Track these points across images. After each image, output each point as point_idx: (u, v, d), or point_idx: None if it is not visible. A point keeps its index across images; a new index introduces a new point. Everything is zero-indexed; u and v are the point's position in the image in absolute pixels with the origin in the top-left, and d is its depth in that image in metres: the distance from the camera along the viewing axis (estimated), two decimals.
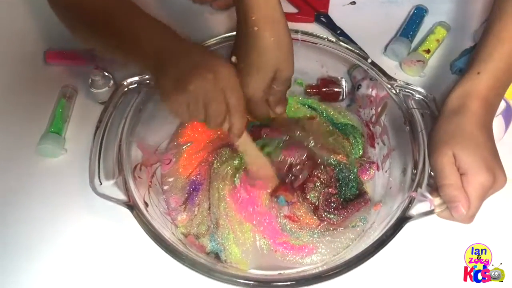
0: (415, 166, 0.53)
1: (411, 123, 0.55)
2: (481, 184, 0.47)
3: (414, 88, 0.58)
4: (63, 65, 0.73)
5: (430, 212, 0.50)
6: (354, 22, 0.78)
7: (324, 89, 0.67)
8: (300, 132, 0.62)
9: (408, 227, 0.58)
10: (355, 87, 0.64)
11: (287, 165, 0.59)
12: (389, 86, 0.58)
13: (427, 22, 0.78)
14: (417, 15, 0.78)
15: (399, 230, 0.49)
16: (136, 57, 0.54)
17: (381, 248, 0.48)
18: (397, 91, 0.58)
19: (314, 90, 0.68)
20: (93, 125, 0.62)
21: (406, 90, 0.58)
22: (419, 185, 0.52)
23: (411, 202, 0.51)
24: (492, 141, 0.50)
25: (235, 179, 0.58)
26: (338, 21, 0.78)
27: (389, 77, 0.59)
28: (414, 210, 0.50)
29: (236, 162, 0.60)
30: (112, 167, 0.55)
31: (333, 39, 0.62)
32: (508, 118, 0.63)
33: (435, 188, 0.50)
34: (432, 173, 0.50)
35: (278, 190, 0.58)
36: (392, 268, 0.57)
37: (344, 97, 0.66)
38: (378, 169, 0.61)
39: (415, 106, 0.56)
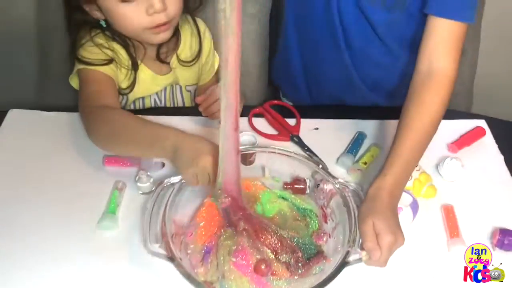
0: (351, 233, 0.74)
1: (347, 206, 0.78)
2: (388, 241, 0.70)
3: (350, 184, 0.82)
4: (116, 166, 0.91)
5: (360, 259, 0.72)
6: (317, 142, 0.98)
7: (295, 186, 0.87)
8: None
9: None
10: (316, 184, 0.86)
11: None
12: (334, 182, 0.82)
13: (366, 143, 0.99)
14: (359, 138, 0.99)
15: (340, 271, 0.72)
16: (157, 152, 0.82)
17: (329, 283, 0.71)
18: (339, 186, 0.82)
19: (289, 186, 0.88)
20: (137, 208, 0.85)
21: (345, 185, 0.82)
22: (353, 244, 0.73)
23: (348, 254, 0.72)
24: (396, 216, 0.76)
25: (232, 258, 0.76)
26: (306, 141, 0.99)
27: (334, 177, 0.83)
28: (350, 259, 0.71)
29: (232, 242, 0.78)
30: (156, 235, 0.74)
31: (297, 153, 0.89)
32: (415, 208, 0.82)
33: (362, 246, 0.73)
34: (360, 235, 0.74)
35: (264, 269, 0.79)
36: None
37: (308, 192, 0.87)
38: (330, 236, 0.81)
39: (350, 195, 0.80)
